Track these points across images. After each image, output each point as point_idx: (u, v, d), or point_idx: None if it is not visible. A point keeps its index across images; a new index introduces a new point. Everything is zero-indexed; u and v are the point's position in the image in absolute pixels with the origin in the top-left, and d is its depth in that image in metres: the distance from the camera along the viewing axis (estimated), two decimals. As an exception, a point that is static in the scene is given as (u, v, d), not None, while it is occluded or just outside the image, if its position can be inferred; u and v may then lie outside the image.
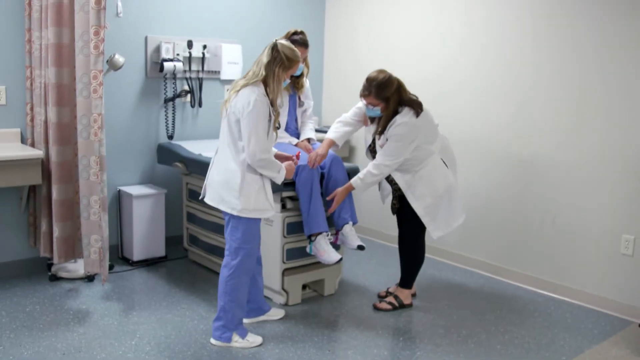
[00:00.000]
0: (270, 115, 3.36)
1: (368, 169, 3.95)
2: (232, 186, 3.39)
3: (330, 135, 4.16)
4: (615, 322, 4.14)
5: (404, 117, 3.83)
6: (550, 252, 4.58)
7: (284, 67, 3.38)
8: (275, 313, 4.00)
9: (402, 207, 4.13)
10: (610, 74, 4.19)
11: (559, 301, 4.46)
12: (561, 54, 4.41)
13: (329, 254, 3.97)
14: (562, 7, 4.38)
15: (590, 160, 4.31)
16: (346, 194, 4.03)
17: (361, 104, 4.02)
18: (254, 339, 3.62)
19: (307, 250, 4.07)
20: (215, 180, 3.50)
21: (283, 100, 4.25)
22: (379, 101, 3.84)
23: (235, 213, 3.41)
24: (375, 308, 4.20)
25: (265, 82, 3.37)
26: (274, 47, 3.37)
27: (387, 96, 3.82)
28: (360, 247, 4.05)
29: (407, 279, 4.24)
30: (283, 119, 4.31)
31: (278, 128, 3.51)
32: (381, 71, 3.86)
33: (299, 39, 4.17)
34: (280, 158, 3.59)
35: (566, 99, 4.41)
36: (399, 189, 4.06)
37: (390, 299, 4.24)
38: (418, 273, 4.27)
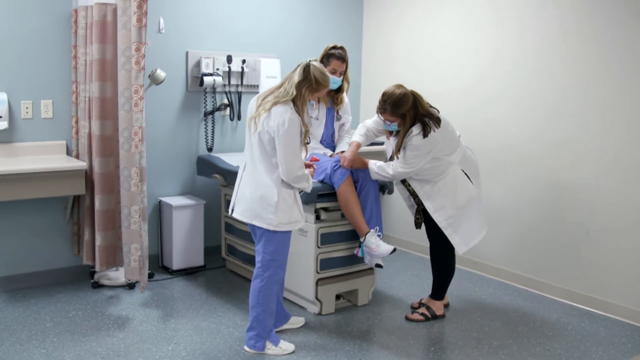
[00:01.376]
0: (301, 132, 3.44)
1: (385, 166, 4.02)
2: (268, 202, 3.46)
3: (357, 138, 4.26)
4: (651, 336, 4.11)
5: (420, 129, 3.86)
6: (585, 265, 4.54)
7: (311, 90, 3.42)
8: (296, 321, 4.06)
9: (428, 220, 4.18)
10: (637, 84, 4.21)
11: (593, 315, 4.42)
12: (589, 67, 4.40)
13: (381, 247, 3.99)
14: (590, 24, 4.39)
15: (624, 171, 4.28)
16: (361, 164, 4.10)
17: None
18: (286, 347, 3.69)
19: (358, 254, 4.12)
20: (247, 196, 3.55)
21: (320, 113, 4.35)
22: (395, 118, 3.89)
23: (272, 228, 3.48)
24: (408, 319, 4.23)
25: (294, 100, 3.42)
26: (306, 68, 3.41)
27: (403, 113, 3.84)
28: (378, 265, 4.11)
29: (438, 290, 4.27)
30: (319, 131, 4.39)
31: (308, 143, 3.58)
32: (398, 86, 3.87)
33: (336, 53, 4.25)
34: None
35: (594, 110, 4.41)
36: (421, 202, 4.11)
37: (423, 310, 4.26)
38: (449, 284, 4.29)
